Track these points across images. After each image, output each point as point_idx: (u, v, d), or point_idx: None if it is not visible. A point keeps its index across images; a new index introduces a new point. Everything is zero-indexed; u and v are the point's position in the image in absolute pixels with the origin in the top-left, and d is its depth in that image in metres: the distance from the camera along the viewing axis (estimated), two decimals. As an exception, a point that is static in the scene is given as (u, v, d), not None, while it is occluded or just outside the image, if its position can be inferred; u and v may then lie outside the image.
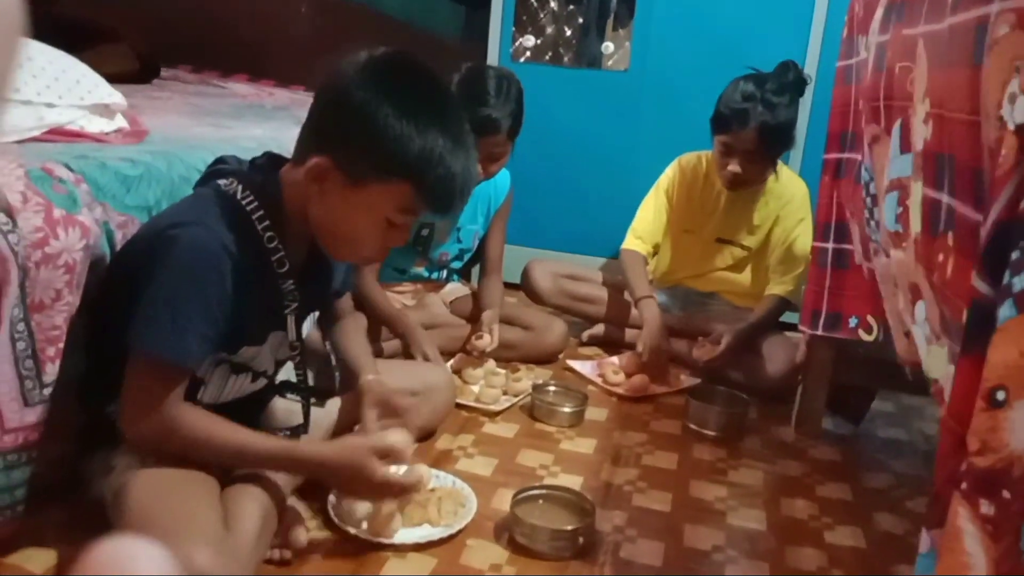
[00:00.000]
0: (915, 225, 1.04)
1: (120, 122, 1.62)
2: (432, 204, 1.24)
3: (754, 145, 2.20)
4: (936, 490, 0.83)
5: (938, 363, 1.07)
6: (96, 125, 1.56)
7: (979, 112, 0.81)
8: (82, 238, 1.18)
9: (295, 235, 1.28)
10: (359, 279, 2.09)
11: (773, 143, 2.21)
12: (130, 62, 2.62)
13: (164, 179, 1.44)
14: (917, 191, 1.04)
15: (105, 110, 1.59)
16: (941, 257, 0.96)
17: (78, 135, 1.50)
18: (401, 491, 1.31)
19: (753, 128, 2.16)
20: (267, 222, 1.24)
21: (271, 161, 1.33)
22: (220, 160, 1.34)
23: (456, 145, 1.22)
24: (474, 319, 2.26)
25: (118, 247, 1.31)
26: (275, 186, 1.27)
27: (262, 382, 1.41)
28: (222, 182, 1.26)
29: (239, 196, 1.24)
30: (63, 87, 1.52)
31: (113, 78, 1.66)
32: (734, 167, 2.24)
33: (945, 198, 0.96)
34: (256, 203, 1.24)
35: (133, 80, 2.52)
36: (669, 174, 2.47)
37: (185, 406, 1.22)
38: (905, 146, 1.15)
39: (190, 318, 1.16)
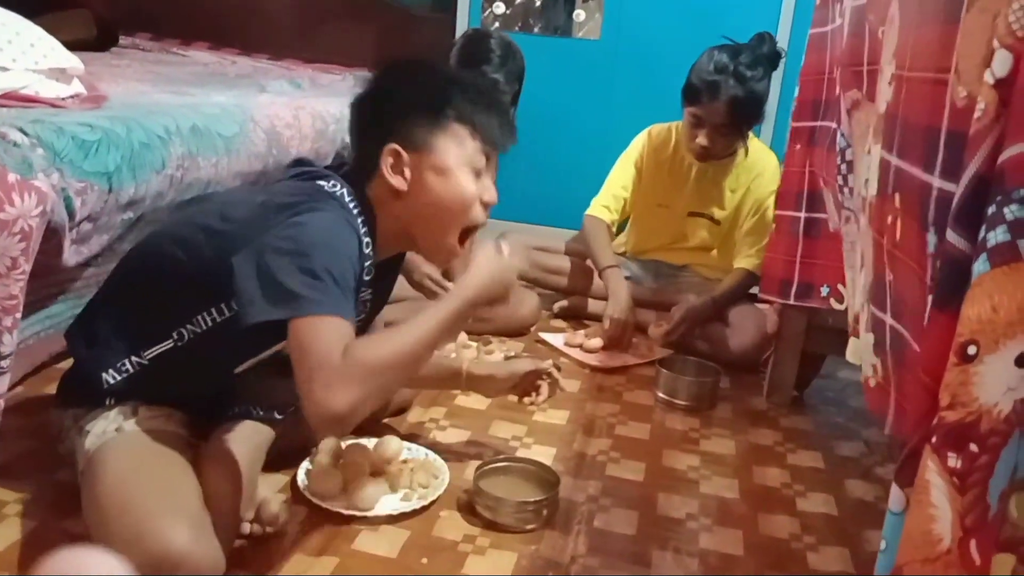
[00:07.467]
0: (871, 188, 1.04)
1: (77, 87, 1.57)
2: (492, 135, 1.29)
3: (724, 118, 2.17)
4: (910, 448, 0.84)
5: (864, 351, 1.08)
6: (52, 90, 1.50)
7: (947, 70, 0.80)
8: (38, 204, 1.13)
9: (376, 250, 1.28)
10: None
11: (744, 116, 2.18)
12: (88, 29, 2.55)
13: (124, 144, 1.39)
14: (876, 153, 1.04)
15: (62, 75, 1.53)
16: (890, 219, 0.96)
17: (33, 100, 1.44)
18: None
19: (724, 101, 2.14)
20: (366, 228, 1.23)
21: (354, 172, 1.29)
22: (301, 161, 1.35)
23: (482, 90, 1.34)
24: None
25: (78, 215, 1.27)
26: (365, 197, 1.26)
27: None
28: (322, 183, 1.23)
29: (346, 198, 1.22)
30: (16, 50, 1.46)
31: (70, 45, 1.60)
32: (703, 140, 2.22)
33: (894, 160, 0.95)
34: (359, 208, 1.23)
35: (90, 48, 2.46)
36: (638, 144, 2.45)
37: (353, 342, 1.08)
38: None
39: (345, 281, 1.10)
